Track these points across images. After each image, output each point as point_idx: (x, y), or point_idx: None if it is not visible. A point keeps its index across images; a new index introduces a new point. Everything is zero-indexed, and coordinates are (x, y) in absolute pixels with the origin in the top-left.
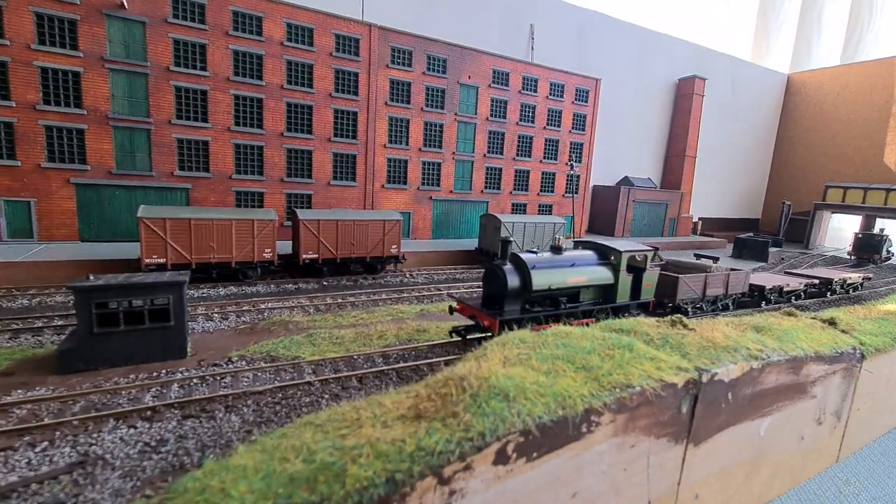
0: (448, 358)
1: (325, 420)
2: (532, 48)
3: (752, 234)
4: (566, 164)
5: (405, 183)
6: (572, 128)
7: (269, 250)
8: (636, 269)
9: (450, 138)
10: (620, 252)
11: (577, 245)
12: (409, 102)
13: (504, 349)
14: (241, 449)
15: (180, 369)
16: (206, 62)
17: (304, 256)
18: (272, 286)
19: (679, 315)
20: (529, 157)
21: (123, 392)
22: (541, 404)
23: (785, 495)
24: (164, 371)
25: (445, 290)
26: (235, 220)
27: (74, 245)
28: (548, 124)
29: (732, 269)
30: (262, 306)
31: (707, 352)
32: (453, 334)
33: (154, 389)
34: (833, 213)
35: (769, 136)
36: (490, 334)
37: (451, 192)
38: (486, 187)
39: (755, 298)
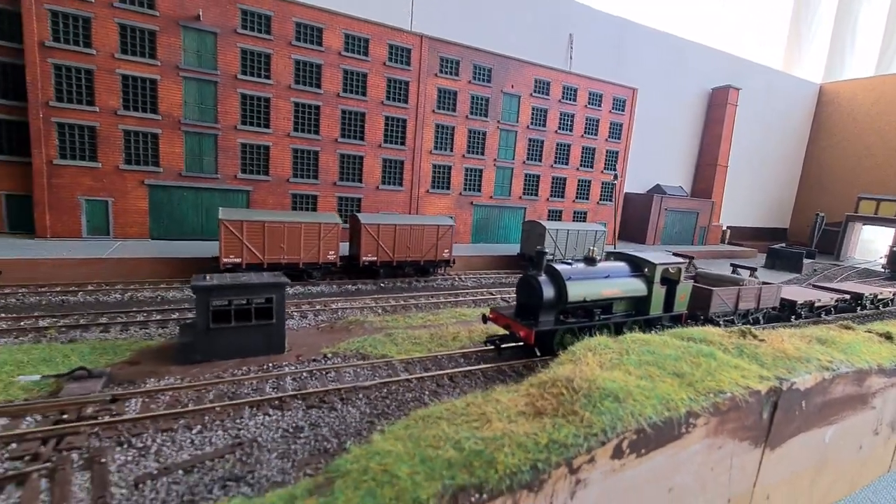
0: (525, 361)
1: (445, 414)
2: (571, 57)
3: (784, 245)
4: (607, 171)
5: (448, 188)
6: (609, 136)
7: (332, 252)
8: (670, 282)
9: (492, 145)
10: (655, 264)
11: (609, 256)
12: (454, 110)
13: (596, 354)
14: (378, 437)
15: (284, 364)
16: (269, 71)
17: (364, 258)
18: (334, 286)
19: (748, 326)
20: (567, 164)
21: (246, 383)
22: (649, 406)
23: (843, 500)
24: (269, 365)
25: (497, 294)
26: (304, 223)
27: (146, 243)
28: (585, 133)
29: (765, 283)
30: (334, 306)
31: (782, 362)
32: (488, 344)
33: (271, 381)
34: (865, 224)
35: (800, 146)
36: (521, 343)
37: (490, 197)
38: (524, 194)
39: (785, 313)
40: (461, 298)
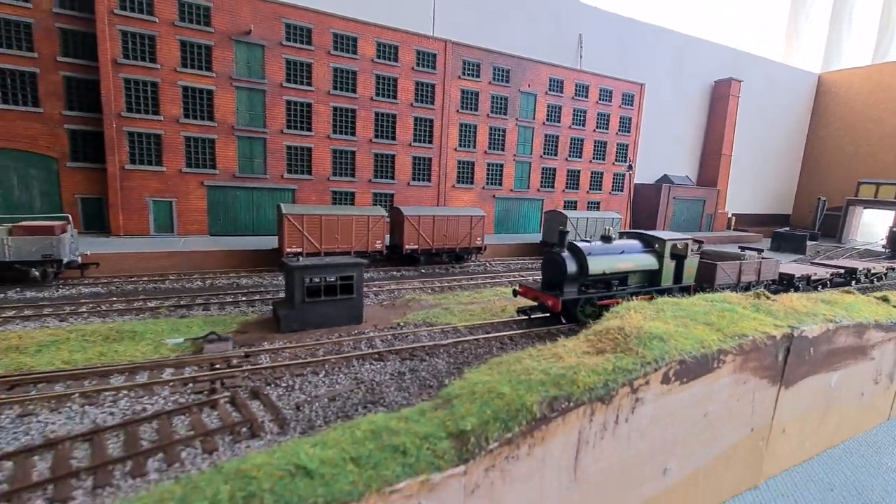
0: (568, 326)
1: (521, 356)
2: (581, 56)
3: (788, 229)
4: (618, 163)
5: (472, 183)
6: (619, 130)
7: (379, 242)
8: (678, 257)
9: (511, 141)
10: (664, 240)
11: (622, 235)
12: (476, 109)
13: (637, 312)
14: (471, 373)
15: (367, 331)
16: (311, 78)
17: (407, 247)
18: (381, 272)
19: (762, 289)
20: (580, 157)
21: (344, 343)
22: (688, 344)
23: (848, 441)
24: (354, 332)
25: (528, 275)
26: (356, 216)
27: (206, 239)
28: (597, 127)
29: (764, 258)
30: (388, 288)
31: (792, 316)
32: (519, 314)
33: (363, 342)
34: (865, 208)
35: (800, 135)
36: (548, 314)
37: (511, 190)
38: (541, 186)
39: (784, 286)
40: (497, 280)
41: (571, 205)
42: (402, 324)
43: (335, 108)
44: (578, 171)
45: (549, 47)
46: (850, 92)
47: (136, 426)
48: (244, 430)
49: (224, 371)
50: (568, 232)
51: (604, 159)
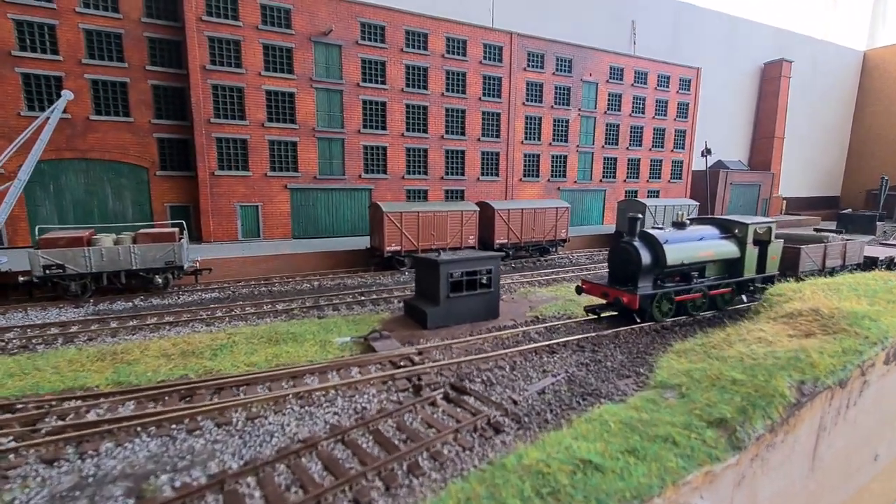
0: (711, 312)
1: (729, 342)
2: (634, 43)
3: (850, 210)
4: (680, 150)
5: (538, 176)
6: (676, 116)
7: (472, 237)
8: (761, 242)
9: (574, 132)
10: (747, 224)
11: (693, 222)
12: (541, 101)
13: (812, 293)
14: (664, 360)
15: (508, 324)
16: (385, 77)
17: (497, 241)
18: None
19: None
20: (640, 146)
21: (505, 338)
22: None
23: None
24: (494, 327)
25: None
26: (450, 211)
27: (290, 242)
28: (656, 114)
29: (848, 239)
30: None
31: None
32: (588, 313)
33: (520, 335)
34: None
35: (847, 114)
36: (615, 312)
37: (574, 182)
38: (603, 177)
39: (868, 270)
40: (593, 272)
41: (632, 194)
42: (540, 317)
43: (408, 106)
44: (638, 160)
45: (604, 35)
46: None
47: (373, 425)
48: (483, 425)
49: (414, 368)
50: (640, 218)
51: (662, 146)
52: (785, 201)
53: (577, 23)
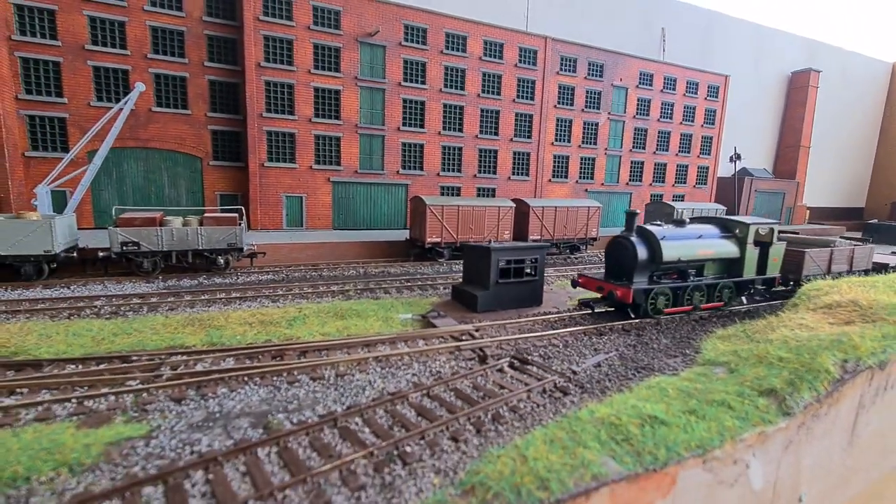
0: (746, 306)
1: (773, 327)
2: (664, 49)
3: (877, 221)
4: (706, 156)
5: (566, 177)
6: (704, 122)
7: (507, 232)
8: (763, 243)
9: (603, 135)
10: (748, 224)
11: (693, 221)
12: (572, 104)
13: (849, 287)
14: (709, 343)
15: (552, 311)
16: (425, 77)
17: (531, 237)
18: None
19: None
20: (667, 150)
21: (550, 322)
22: None
23: None
24: (539, 312)
25: None
26: (489, 206)
27: (331, 232)
28: (683, 120)
29: (856, 245)
30: None
31: None
32: (582, 307)
33: (567, 319)
34: None
35: (874, 125)
36: (610, 308)
37: (602, 184)
38: (630, 180)
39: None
40: None
41: (658, 198)
42: (581, 306)
43: (445, 106)
44: (665, 165)
45: (635, 42)
46: None
47: (451, 384)
48: (550, 388)
49: (476, 342)
50: (637, 213)
51: (689, 152)
52: (809, 210)
53: (608, 29)
